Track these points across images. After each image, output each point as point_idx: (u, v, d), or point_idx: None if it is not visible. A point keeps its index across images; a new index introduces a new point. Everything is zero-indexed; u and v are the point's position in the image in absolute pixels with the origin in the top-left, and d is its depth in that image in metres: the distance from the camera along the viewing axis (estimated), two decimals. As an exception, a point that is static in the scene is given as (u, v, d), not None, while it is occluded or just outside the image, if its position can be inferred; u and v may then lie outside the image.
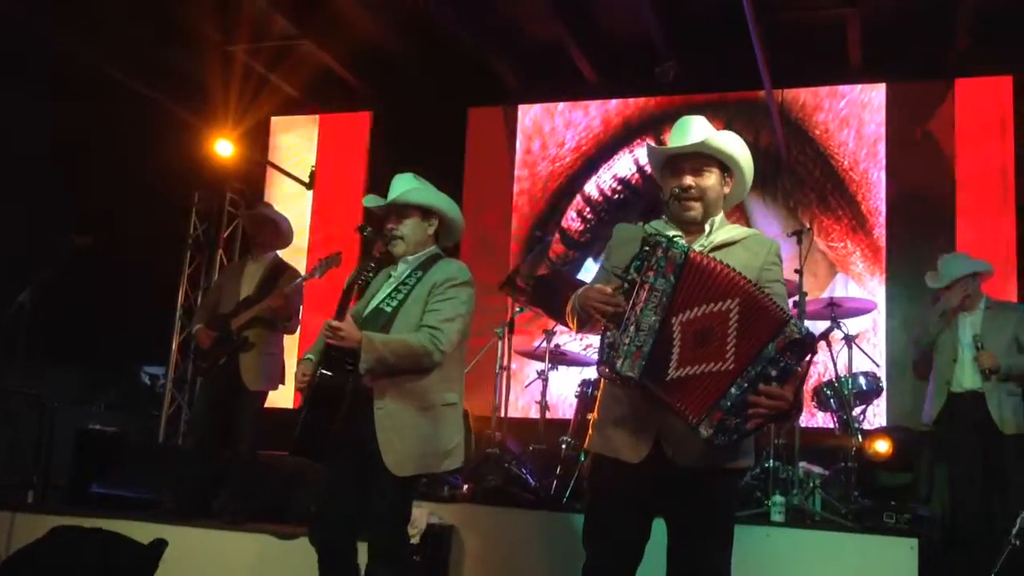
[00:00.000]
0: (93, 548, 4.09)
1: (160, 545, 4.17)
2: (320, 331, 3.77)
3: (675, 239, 2.77)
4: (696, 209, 2.95)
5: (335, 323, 3.38)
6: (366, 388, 3.47)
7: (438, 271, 3.65)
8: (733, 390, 2.62)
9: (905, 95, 7.63)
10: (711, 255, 2.78)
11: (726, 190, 3.03)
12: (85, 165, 7.58)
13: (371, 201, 3.78)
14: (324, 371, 3.48)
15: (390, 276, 3.75)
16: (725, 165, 3.01)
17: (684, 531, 2.87)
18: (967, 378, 5.49)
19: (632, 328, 2.68)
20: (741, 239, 2.97)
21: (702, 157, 2.97)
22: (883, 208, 7.47)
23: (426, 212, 3.74)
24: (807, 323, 5.70)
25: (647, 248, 2.72)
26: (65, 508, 5.73)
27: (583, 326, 2.91)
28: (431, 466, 3.57)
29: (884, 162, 7.54)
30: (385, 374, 3.45)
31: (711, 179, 2.97)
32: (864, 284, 7.37)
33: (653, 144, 3.09)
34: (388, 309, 3.56)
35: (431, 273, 3.65)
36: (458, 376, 3.71)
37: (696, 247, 2.86)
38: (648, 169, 3.17)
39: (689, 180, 2.94)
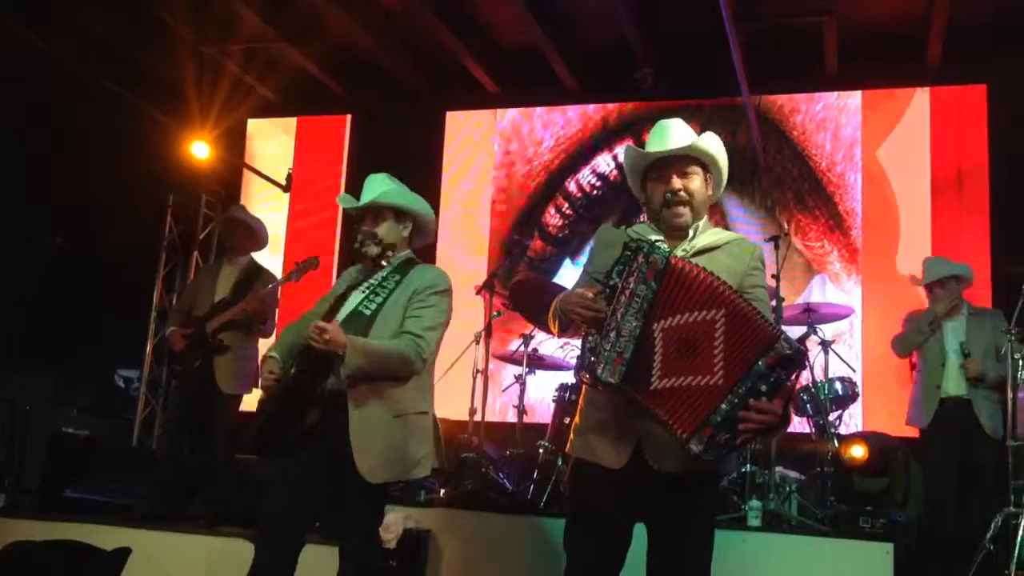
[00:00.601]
0: (59, 561, 4.04)
1: (123, 553, 4.11)
2: (287, 329, 3.76)
3: (657, 244, 2.77)
4: (686, 215, 2.93)
5: (323, 324, 3.35)
6: (340, 392, 3.45)
7: (418, 276, 3.63)
8: (723, 406, 2.59)
9: (881, 101, 7.69)
10: (694, 260, 2.77)
11: (709, 192, 3.03)
12: (59, 166, 7.50)
13: (346, 201, 3.75)
14: (299, 371, 3.45)
15: (359, 278, 3.72)
16: (706, 167, 3.00)
17: (664, 537, 2.86)
18: (952, 384, 5.54)
19: (613, 334, 2.67)
20: (724, 243, 2.97)
21: (687, 160, 2.96)
22: (859, 210, 7.53)
23: (401, 214, 3.71)
24: (786, 328, 5.74)
25: (628, 253, 2.70)
26: (37, 512, 5.67)
27: (564, 330, 2.90)
28: (401, 474, 3.55)
29: (860, 165, 7.60)
30: (364, 380, 3.43)
31: (696, 182, 2.96)
32: (841, 285, 7.41)
33: (635, 147, 3.03)
34: (367, 312, 3.52)
35: (411, 278, 3.63)
36: (430, 385, 3.70)
37: (679, 252, 2.85)
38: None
39: (678, 183, 2.93)
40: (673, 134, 2.97)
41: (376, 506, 3.61)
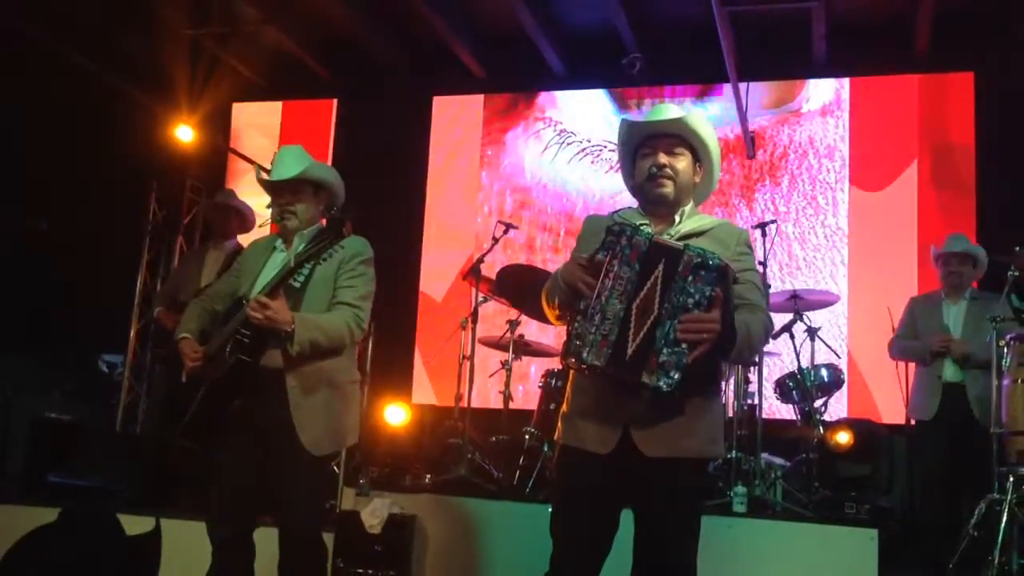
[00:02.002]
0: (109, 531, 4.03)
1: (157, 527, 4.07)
2: (192, 305, 3.76)
3: (641, 227, 2.77)
4: (668, 187, 2.94)
5: (264, 300, 3.29)
6: (275, 368, 3.42)
7: (344, 246, 3.58)
8: (659, 331, 2.62)
9: (869, 89, 7.69)
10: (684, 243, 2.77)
11: (696, 179, 3.03)
12: (40, 149, 7.44)
13: (269, 175, 3.69)
14: (236, 350, 3.38)
15: (275, 251, 3.69)
16: (696, 153, 3.01)
17: (651, 522, 2.86)
18: (950, 371, 5.51)
19: (598, 317, 2.67)
20: (709, 228, 2.97)
21: (676, 139, 2.97)
22: (846, 199, 7.53)
23: (318, 187, 3.70)
24: (773, 314, 5.74)
25: (611, 237, 2.71)
26: (20, 497, 5.63)
27: (564, 309, 2.88)
28: (339, 444, 3.60)
29: (848, 153, 7.60)
30: (308, 356, 3.40)
31: (683, 162, 2.97)
32: (828, 272, 7.42)
33: (628, 119, 3.06)
34: (296, 285, 3.49)
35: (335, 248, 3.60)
36: (355, 353, 3.72)
37: (664, 236, 2.85)
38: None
39: (664, 159, 2.94)
40: (668, 111, 2.99)
41: (320, 479, 3.64)
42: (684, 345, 2.61)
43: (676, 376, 2.60)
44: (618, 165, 3.19)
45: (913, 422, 5.75)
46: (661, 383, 2.61)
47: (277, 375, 3.42)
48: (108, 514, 4.14)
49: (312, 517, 3.52)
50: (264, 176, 3.70)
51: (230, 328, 3.47)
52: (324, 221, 3.66)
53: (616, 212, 3.02)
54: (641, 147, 3.02)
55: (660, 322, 2.63)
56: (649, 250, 2.67)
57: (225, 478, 3.50)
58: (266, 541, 3.54)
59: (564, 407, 2.98)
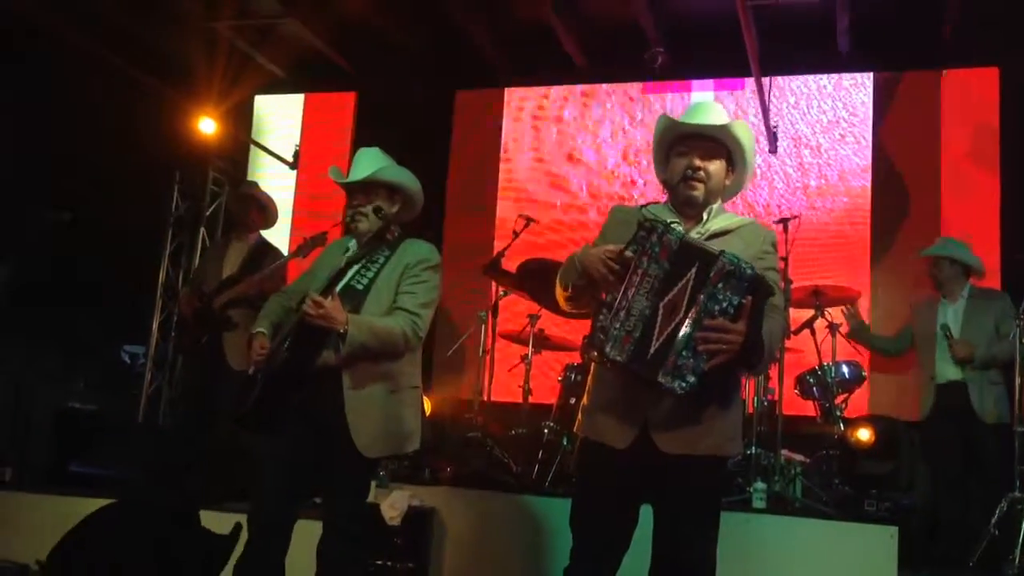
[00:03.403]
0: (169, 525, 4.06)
1: (237, 530, 4.09)
2: (271, 301, 3.78)
3: (672, 224, 2.76)
4: (699, 190, 2.94)
5: (319, 299, 3.31)
6: (334, 366, 3.44)
7: (409, 251, 3.61)
8: (681, 334, 2.61)
9: (893, 83, 7.63)
10: (711, 242, 2.78)
11: (727, 182, 3.02)
12: (65, 141, 7.49)
13: (339, 176, 3.72)
14: (294, 347, 3.43)
15: (346, 251, 3.69)
16: (731, 157, 3.00)
17: (670, 518, 2.86)
18: (949, 369, 5.52)
19: (623, 313, 2.67)
20: (737, 227, 2.96)
21: (713, 142, 2.96)
22: (869, 195, 7.48)
23: (392, 190, 3.69)
24: (793, 311, 5.73)
25: (642, 232, 2.70)
26: (43, 487, 5.69)
27: (579, 295, 2.88)
28: (396, 448, 3.58)
29: (872, 148, 7.55)
30: (362, 357, 3.41)
31: (717, 166, 2.97)
32: (851, 269, 7.37)
33: (669, 116, 3.03)
34: (359, 287, 3.51)
35: (401, 252, 3.61)
36: (419, 359, 3.71)
37: (693, 234, 2.86)
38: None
39: (699, 162, 2.94)
40: (711, 114, 2.97)
41: (367, 479, 3.64)
42: (700, 349, 2.60)
43: (691, 380, 2.61)
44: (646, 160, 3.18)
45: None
46: (675, 385, 2.61)
47: (334, 374, 3.43)
48: (187, 506, 4.17)
49: (356, 515, 3.54)
50: (340, 178, 3.71)
51: (289, 325, 3.52)
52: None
53: (644, 206, 3.01)
54: (677, 144, 3.00)
55: (684, 325, 2.62)
56: (680, 249, 2.67)
57: (272, 469, 3.52)
58: (306, 534, 3.56)
59: (584, 399, 2.99)
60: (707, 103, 3.04)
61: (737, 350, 2.62)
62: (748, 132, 3.00)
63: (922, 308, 5.83)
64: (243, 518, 4.45)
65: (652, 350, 2.64)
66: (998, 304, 5.59)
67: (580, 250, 2.90)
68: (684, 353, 2.61)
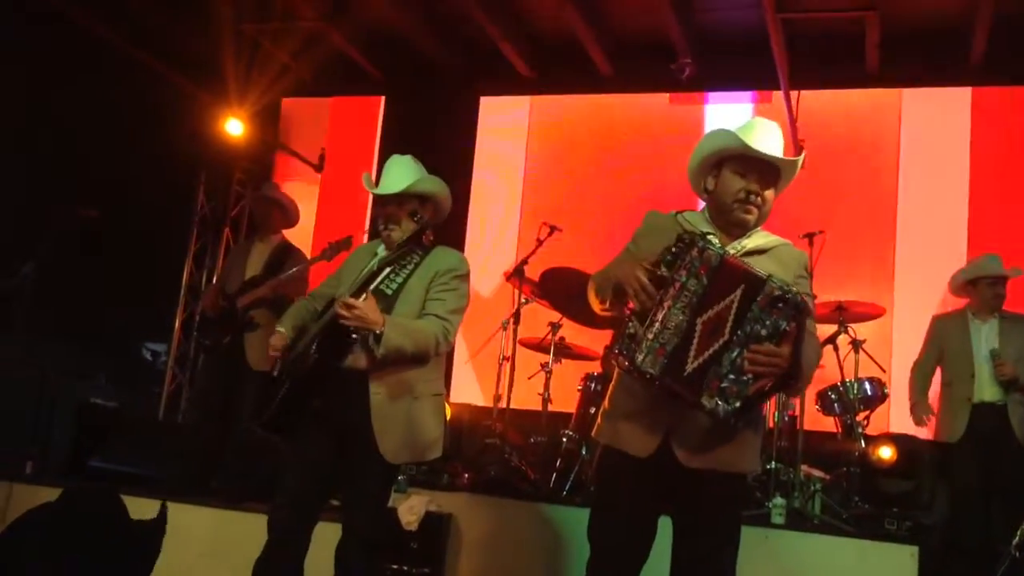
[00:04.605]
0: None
1: (164, 512, 4.11)
2: (297, 304, 3.81)
3: (711, 240, 2.74)
4: (754, 215, 2.90)
5: (351, 300, 3.30)
6: (360, 370, 3.45)
7: (440, 259, 3.62)
8: (725, 357, 2.59)
9: (921, 101, 7.58)
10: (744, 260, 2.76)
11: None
12: (92, 139, 7.53)
13: (371, 185, 3.73)
14: (321, 350, 3.44)
15: (375, 256, 3.70)
16: (778, 183, 2.97)
17: (688, 530, 2.85)
18: (987, 391, 5.43)
19: (658, 325, 2.64)
20: (772, 248, 2.94)
21: (775, 170, 2.92)
22: (894, 212, 7.43)
23: (423, 199, 3.70)
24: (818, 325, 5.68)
25: (681, 244, 2.67)
26: (63, 481, 5.72)
27: (614, 300, 2.83)
28: (419, 455, 3.58)
29: (899, 166, 7.50)
30: (393, 361, 3.41)
31: (770, 192, 2.93)
32: (875, 284, 7.31)
33: (736, 135, 2.90)
34: (388, 291, 3.50)
35: (432, 259, 3.61)
36: (443, 366, 3.72)
37: (729, 249, 2.82)
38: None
39: (756, 186, 2.88)
40: (774, 139, 2.91)
41: (389, 485, 3.65)
42: (749, 375, 2.58)
43: (736, 404, 2.59)
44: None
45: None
46: (719, 408, 2.59)
47: (361, 378, 3.44)
48: (112, 496, 4.17)
49: (377, 520, 3.55)
50: (372, 189, 3.73)
51: (316, 328, 3.53)
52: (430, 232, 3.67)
53: (680, 213, 2.98)
54: (733, 161, 2.91)
55: (729, 347, 2.60)
56: (720, 267, 2.64)
57: (295, 471, 3.53)
58: (326, 537, 3.56)
59: (606, 403, 2.97)
60: (770, 125, 2.94)
61: (780, 374, 2.60)
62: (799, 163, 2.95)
63: (948, 325, 5.71)
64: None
65: (690, 368, 2.62)
66: None
67: (614, 262, 2.88)
68: (730, 377, 2.59)
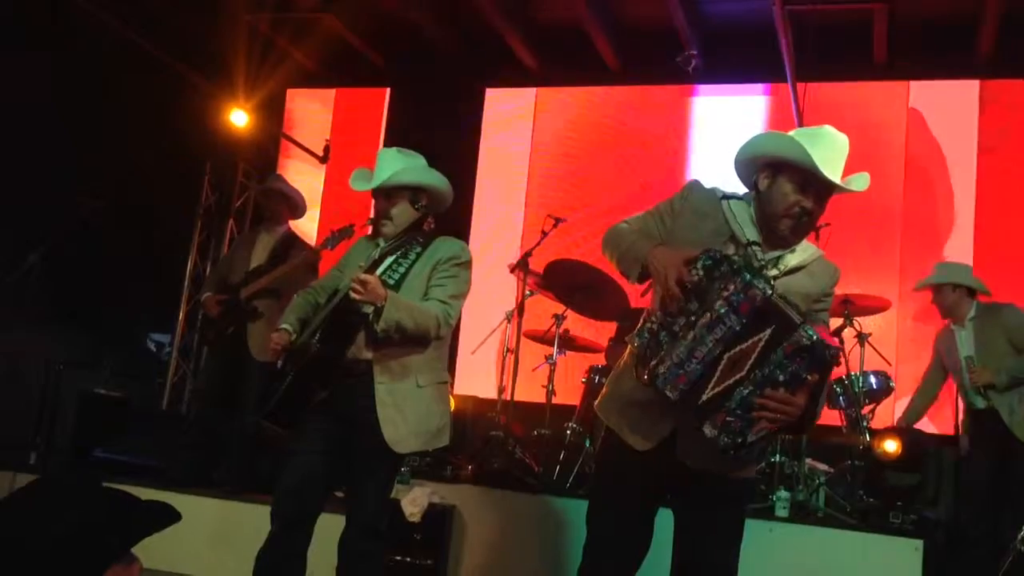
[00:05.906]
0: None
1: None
2: (298, 297, 3.77)
3: (762, 272, 2.65)
4: (800, 235, 2.80)
5: (365, 276, 3.31)
6: (363, 360, 3.45)
7: (441, 247, 3.62)
8: (737, 392, 2.53)
9: (929, 94, 7.55)
10: (783, 280, 2.71)
11: None
12: (97, 129, 7.53)
13: (359, 184, 3.70)
14: (324, 340, 3.45)
15: (377, 247, 3.70)
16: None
17: (691, 524, 2.83)
18: (978, 398, 5.45)
19: (684, 347, 2.58)
20: (809, 263, 2.83)
21: (831, 189, 2.78)
22: (900, 205, 7.41)
23: (417, 190, 3.66)
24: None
25: (727, 268, 2.56)
26: (67, 471, 5.73)
27: (635, 278, 2.75)
28: (425, 444, 3.57)
29: (904, 159, 7.47)
30: (394, 341, 3.40)
31: (820, 210, 2.79)
32: (880, 280, 7.28)
33: (804, 149, 2.71)
34: (391, 281, 3.49)
35: (433, 248, 3.61)
36: (446, 355, 3.72)
37: (769, 260, 2.74)
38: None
39: (811, 205, 2.74)
40: (842, 157, 2.81)
41: (394, 476, 3.64)
42: (756, 417, 2.52)
43: (736, 440, 2.53)
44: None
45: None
46: (720, 439, 2.54)
47: (365, 368, 3.45)
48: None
49: (380, 510, 3.54)
50: (354, 186, 3.72)
51: (319, 319, 3.53)
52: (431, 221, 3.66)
53: (726, 197, 2.84)
54: (790, 169, 2.75)
55: (743, 383, 2.53)
56: (761, 306, 2.53)
57: (297, 463, 3.52)
58: (329, 527, 3.56)
59: (612, 381, 2.92)
60: (839, 141, 2.80)
61: (787, 422, 2.54)
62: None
63: (942, 338, 5.74)
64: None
65: (705, 397, 2.56)
66: (1004, 317, 5.43)
67: (641, 231, 2.81)
68: (737, 412, 2.52)
